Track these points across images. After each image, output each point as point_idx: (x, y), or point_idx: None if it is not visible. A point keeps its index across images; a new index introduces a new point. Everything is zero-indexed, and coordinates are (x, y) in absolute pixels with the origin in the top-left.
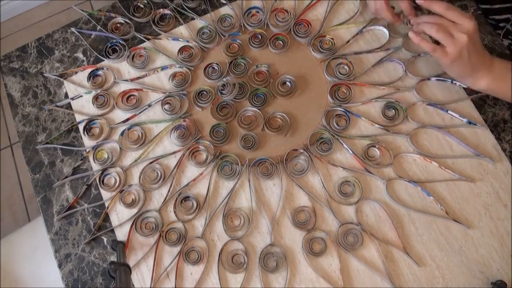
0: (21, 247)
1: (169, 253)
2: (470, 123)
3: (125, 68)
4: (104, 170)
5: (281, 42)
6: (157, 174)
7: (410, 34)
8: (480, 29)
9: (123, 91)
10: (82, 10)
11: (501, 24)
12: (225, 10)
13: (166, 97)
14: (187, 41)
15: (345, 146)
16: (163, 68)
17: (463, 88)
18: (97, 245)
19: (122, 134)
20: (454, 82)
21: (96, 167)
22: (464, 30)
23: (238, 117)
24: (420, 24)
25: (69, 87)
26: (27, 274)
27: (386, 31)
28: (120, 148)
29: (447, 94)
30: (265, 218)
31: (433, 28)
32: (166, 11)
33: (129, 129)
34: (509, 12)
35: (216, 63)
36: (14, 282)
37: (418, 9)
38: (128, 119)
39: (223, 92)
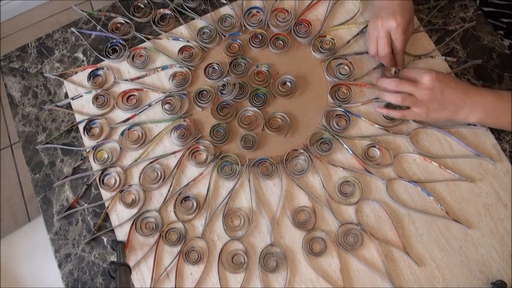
0: (21, 247)
1: (169, 253)
2: (470, 124)
3: (125, 68)
4: (104, 170)
5: (281, 42)
6: (157, 174)
7: (377, 109)
8: (480, 29)
9: (123, 91)
10: (82, 10)
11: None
12: (226, 10)
13: (166, 97)
14: (188, 41)
15: (345, 146)
16: (163, 68)
17: None
18: (97, 245)
19: (122, 134)
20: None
21: (96, 167)
22: (423, 86)
23: (238, 117)
24: (383, 94)
25: (69, 87)
26: (27, 274)
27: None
28: (120, 148)
29: None
30: (265, 218)
31: (397, 98)
32: (167, 11)
33: (129, 129)
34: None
35: (217, 63)
36: (14, 282)
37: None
38: (128, 119)
39: (223, 92)
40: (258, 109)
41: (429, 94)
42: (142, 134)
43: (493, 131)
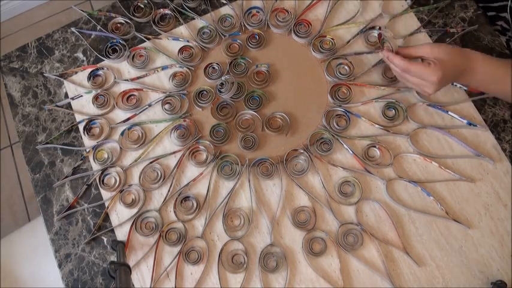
0: (21, 247)
1: (169, 253)
2: (470, 124)
3: (125, 67)
4: (104, 170)
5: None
6: (157, 174)
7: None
8: (480, 29)
9: (123, 91)
10: (82, 10)
11: (498, 23)
12: (226, 10)
13: (166, 97)
14: (188, 41)
15: (345, 146)
16: (163, 68)
17: (464, 90)
18: (97, 245)
19: (122, 133)
20: (454, 84)
21: (96, 166)
22: (428, 86)
23: (235, 122)
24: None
25: (69, 87)
26: (27, 274)
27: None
28: (120, 148)
29: (448, 95)
30: (265, 218)
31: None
32: (167, 11)
33: (129, 129)
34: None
35: (217, 63)
36: (14, 282)
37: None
38: (128, 119)
39: (221, 90)
40: (254, 111)
41: (434, 88)
42: (142, 134)
43: (493, 131)
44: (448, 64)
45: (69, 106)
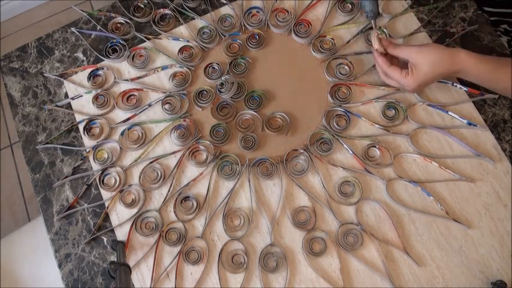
0: (21, 247)
1: (169, 253)
2: (470, 124)
3: (125, 67)
4: (104, 170)
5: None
6: (157, 174)
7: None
8: (480, 29)
9: (123, 91)
10: (82, 10)
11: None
12: (226, 10)
13: (166, 97)
14: (188, 41)
15: (345, 146)
16: (163, 68)
17: (464, 90)
18: (97, 245)
19: (122, 133)
20: (454, 84)
21: (96, 166)
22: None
23: (235, 122)
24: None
25: (69, 87)
26: (27, 274)
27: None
28: (120, 148)
29: (448, 96)
30: (265, 218)
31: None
32: (167, 11)
33: (129, 129)
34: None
35: (217, 63)
36: (14, 282)
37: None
38: (128, 119)
39: (221, 90)
40: (254, 111)
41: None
42: (142, 134)
43: (493, 131)
44: (428, 74)
45: (69, 106)
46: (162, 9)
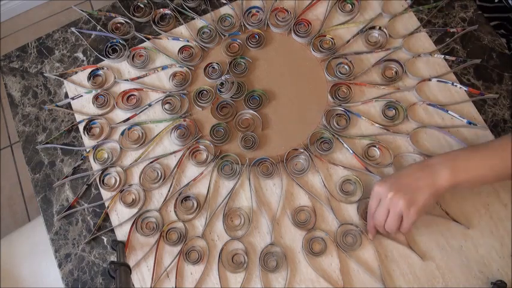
0: (21, 247)
1: (170, 253)
2: (470, 123)
3: (125, 67)
4: (104, 170)
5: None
6: (158, 174)
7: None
8: (480, 29)
9: (123, 91)
10: (82, 10)
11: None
12: (225, 10)
13: (166, 97)
14: (188, 41)
15: (345, 145)
16: (163, 68)
17: (464, 90)
18: (97, 245)
19: (122, 133)
20: (454, 84)
21: (96, 166)
22: (383, 198)
23: (235, 121)
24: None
25: (69, 87)
26: (27, 274)
27: (386, 31)
28: (120, 148)
29: (448, 95)
30: (265, 217)
31: (388, 226)
32: (167, 11)
33: (129, 129)
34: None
35: (216, 63)
36: (14, 282)
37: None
38: (128, 119)
39: (221, 90)
40: (254, 111)
41: (391, 196)
42: (142, 133)
43: (493, 131)
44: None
45: (69, 106)
46: (162, 9)
